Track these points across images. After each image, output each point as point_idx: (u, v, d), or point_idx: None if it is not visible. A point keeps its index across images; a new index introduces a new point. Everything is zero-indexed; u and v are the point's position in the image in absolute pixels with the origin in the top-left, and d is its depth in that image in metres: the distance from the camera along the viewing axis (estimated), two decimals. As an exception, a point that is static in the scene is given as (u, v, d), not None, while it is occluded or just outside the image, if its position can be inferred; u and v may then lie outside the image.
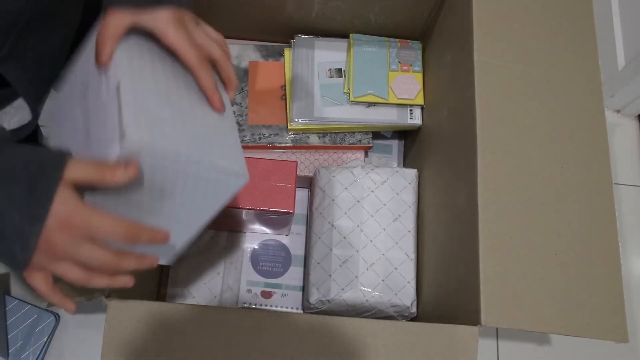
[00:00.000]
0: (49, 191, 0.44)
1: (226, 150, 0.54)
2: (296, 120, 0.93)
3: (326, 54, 0.97)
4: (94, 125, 0.53)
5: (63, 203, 0.44)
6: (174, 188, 0.52)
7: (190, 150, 0.50)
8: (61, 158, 0.45)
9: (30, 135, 0.62)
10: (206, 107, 0.57)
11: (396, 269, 0.85)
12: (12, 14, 0.54)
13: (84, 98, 0.55)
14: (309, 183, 0.99)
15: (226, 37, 1.01)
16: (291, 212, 0.81)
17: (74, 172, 0.45)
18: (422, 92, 0.95)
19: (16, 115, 0.60)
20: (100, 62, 0.51)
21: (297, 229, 1.00)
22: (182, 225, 0.57)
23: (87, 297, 0.62)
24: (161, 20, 0.53)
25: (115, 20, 0.52)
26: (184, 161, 0.50)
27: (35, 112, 0.61)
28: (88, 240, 0.46)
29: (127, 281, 0.51)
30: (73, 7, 0.67)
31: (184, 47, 0.54)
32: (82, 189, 0.47)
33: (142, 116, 0.48)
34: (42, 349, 0.89)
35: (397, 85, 0.95)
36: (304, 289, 0.93)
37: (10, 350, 0.88)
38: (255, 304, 0.95)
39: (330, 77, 0.96)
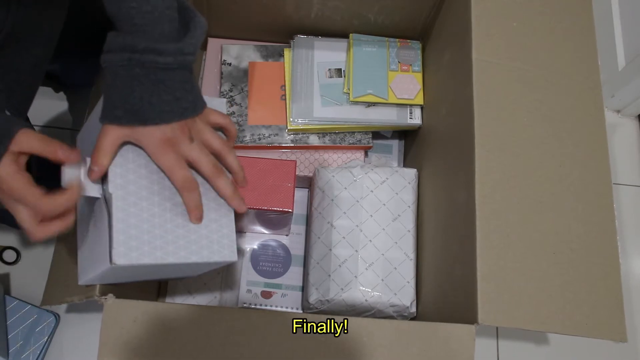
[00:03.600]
0: None
1: (216, 239, 0.60)
2: (296, 120, 0.93)
3: (326, 54, 0.97)
4: (98, 221, 0.58)
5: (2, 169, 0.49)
6: (166, 270, 0.63)
7: (178, 254, 0.57)
8: (8, 132, 0.49)
9: None
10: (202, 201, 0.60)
11: (395, 268, 0.85)
12: None
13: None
14: (308, 183, 0.99)
15: (226, 37, 1.02)
16: (290, 211, 0.81)
17: (22, 144, 0.50)
18: (421, 92, 0.95)
19: None
20: (92, 177, 0.54)
21: (297, 229, 1.00)
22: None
23: (79, 298, 0.62)
24: (151, 139, 0.54)
25: (111, 135, 0.54)
26: (173, 263, 0.57)
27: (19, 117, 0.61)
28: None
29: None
30: (55, 16, 0.67)
31: (170, 172, 0.56)
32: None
33: (131, 232, 0.55)
34: (42, 349, 0.89)
35: (396, 85, 0.95)
36: (304, 289, 0.93)
37: (10, 351, 0.88)
38: (255, 304, 0.95)
39: (330, 77, 0.96)
